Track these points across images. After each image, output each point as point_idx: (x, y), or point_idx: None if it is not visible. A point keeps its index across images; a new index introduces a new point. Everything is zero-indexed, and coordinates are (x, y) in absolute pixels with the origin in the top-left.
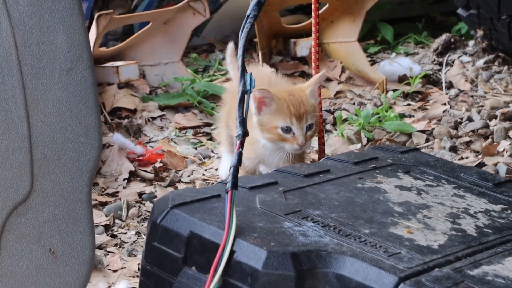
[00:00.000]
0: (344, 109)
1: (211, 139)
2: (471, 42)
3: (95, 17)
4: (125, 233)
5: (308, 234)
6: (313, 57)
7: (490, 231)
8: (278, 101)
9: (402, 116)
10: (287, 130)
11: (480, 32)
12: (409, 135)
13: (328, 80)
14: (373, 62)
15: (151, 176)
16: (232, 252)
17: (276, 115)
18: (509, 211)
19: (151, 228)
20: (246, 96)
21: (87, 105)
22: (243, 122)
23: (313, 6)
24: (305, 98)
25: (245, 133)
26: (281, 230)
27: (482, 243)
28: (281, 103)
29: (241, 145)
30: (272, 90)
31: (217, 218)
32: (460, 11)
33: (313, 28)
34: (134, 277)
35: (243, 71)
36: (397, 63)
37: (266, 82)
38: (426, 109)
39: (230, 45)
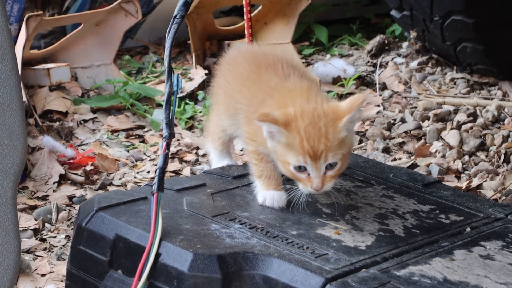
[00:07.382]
0: None
1: (143, 141)
2: (404, 44)
3: (25, 18)
4: (54, 237)
5: (235, 236)
6: None
7: (418, 231)
8: (288, 134)
9: None
10: (301, 169)
11: (413, 34)
12: None
13: None
14: (307, 64)
15: (81, 179)
16: (158, 255)
17: (288, 149)
18: (437, 212)
19: (76, 231)
20: (173, 97)
21: (11, 107)
22: (169, 123)
23: (245, 9)
24: (333, 129)
25: (171, 134)
26: (208, 232)
27: (409, 243)
28: (291, 137)
29: (167, 147)
30: (285, 114)
31: (143, 220)
32: (393, 12)
33: (246, 32)
34: (62, 281)
35: (170, 72)
36: (331, 65)
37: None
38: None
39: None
